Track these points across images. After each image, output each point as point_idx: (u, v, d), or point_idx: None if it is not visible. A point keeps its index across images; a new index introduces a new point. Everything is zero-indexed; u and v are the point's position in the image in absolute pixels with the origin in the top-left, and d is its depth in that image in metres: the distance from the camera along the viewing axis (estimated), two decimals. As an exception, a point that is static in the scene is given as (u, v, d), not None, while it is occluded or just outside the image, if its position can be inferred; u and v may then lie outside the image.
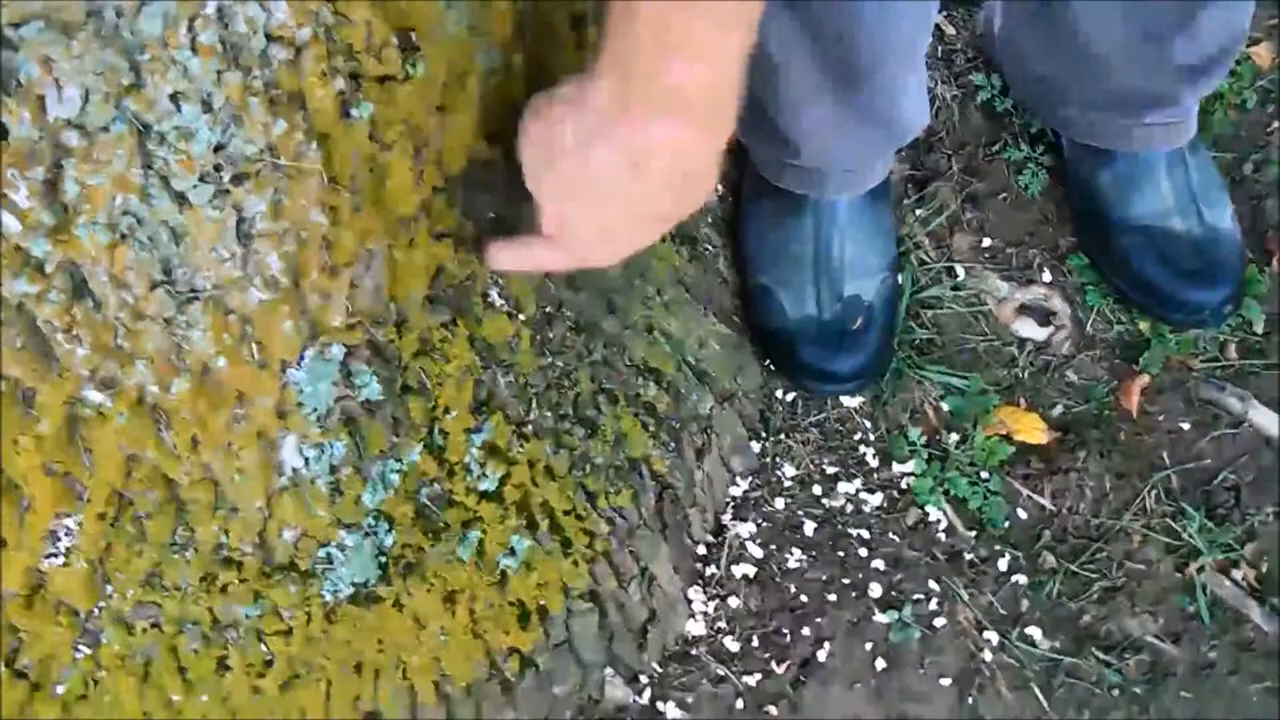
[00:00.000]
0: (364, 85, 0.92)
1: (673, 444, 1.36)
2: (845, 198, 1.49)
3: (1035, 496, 1.49)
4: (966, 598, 1.43)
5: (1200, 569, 1.45)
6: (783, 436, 1.51)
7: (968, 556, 1.46)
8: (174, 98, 0.83)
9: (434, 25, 0.94)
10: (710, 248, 1.50)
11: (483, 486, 1.15)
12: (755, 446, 1.49)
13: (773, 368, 1.53)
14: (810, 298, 1.49)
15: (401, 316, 1.05)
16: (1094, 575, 1.45)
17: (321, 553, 1.08)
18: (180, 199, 0.87)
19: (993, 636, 1.42)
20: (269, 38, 0.85)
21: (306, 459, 1.04)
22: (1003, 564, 1.46)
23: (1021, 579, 1.45)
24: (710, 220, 1.53)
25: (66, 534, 0.99)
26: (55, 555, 1.00)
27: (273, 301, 0.95)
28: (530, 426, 1.18)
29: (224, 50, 0.83)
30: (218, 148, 0.86)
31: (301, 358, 0.99)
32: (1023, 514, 1.49)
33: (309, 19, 0.85)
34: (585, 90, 0.89)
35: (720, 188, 1.56)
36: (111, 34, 0.79)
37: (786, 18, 1.29)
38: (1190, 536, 1.46)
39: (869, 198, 1.50)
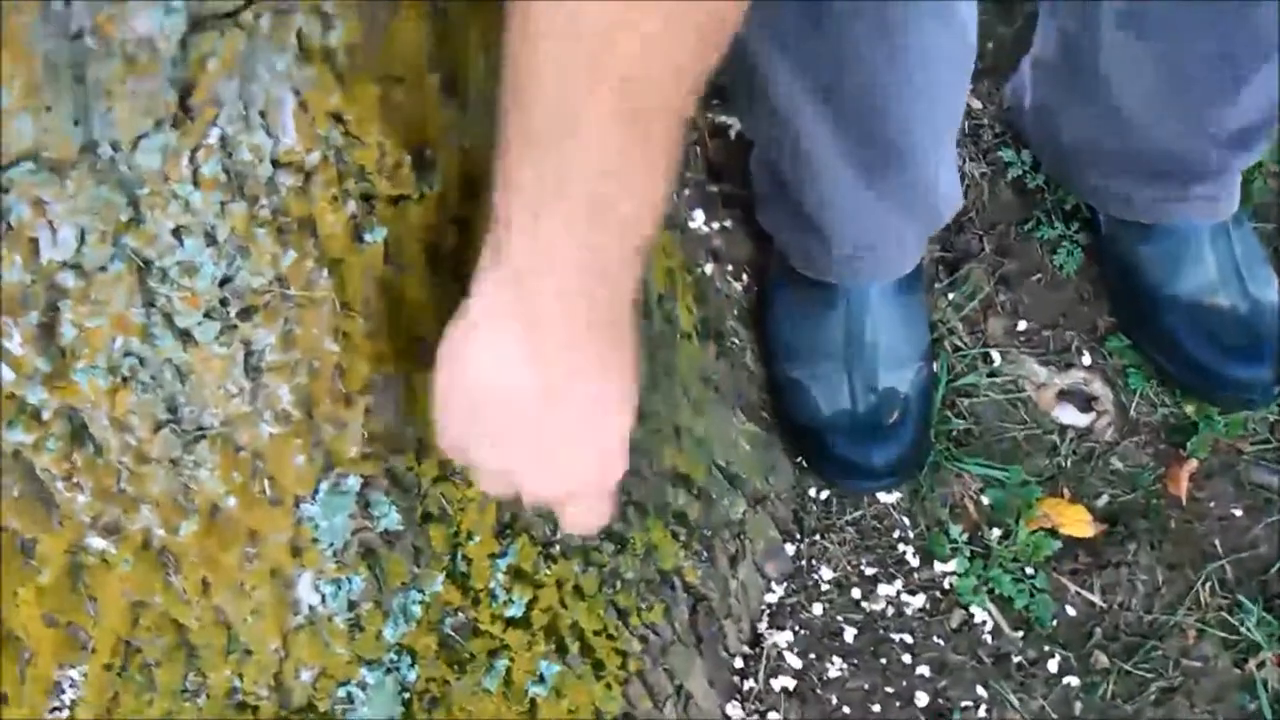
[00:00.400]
0: (377, 207, 0.87)
1: (705, 553, 1.30)
2: (877, 285, 1.44)
3: (1084, 593, 1.43)
4: (1016, 703, 1.37)
5: (1260, 664, 1.39)
6: (818, 537, 1.45)
7: (1016, 659, 1.40)
8: (176, 232, 0.78)
9: (449, 138, 0.90)
10: (736, 341, 1.45)
11: (509, 612, 1.10)
12: (790, 549, 1.43)
13: (805, 465, 1.47)
14: (843, 391, 1.44)
15: (420, 442, 0.99)
16: (1149, 675, 1.39)
17: (341, 692, 1.02)
18: (185, 336, 0.82)
19: (1046, 744, 1.36)
20: (276, 164, 0.80)
21: (323, 595, 0.98)
22: (1053, 665, 1.40)
23: (1073, 681, 1.39)
24: (735, 312, 1.47)
25: (71, 685, 0.94)
26: (59, 709, 0.94)
27: (284, 435, 0.90)
28: (557, 546, 1.12)
29: (228, 180, 0.78)
30: (223, 281, 0.81)
31: (316, 491, 0.94)
32: (1071, 611, 1.43)
33: (318, 143, 0.81)
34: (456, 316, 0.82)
35: (746, 277, 1.51)
36: (107, 170, 0.74)
37: (815, 106, 1.24)
38: (1248, 630, 1.40)
39: (902, 284, 1.45)
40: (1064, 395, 1.54)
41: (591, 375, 0.81)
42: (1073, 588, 1.44)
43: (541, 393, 0.80)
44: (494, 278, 0.79)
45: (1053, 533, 1.45)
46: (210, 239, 0.79)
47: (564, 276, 0.76)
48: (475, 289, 0.80)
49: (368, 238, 0.87)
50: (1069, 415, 1.53)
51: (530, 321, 0.78)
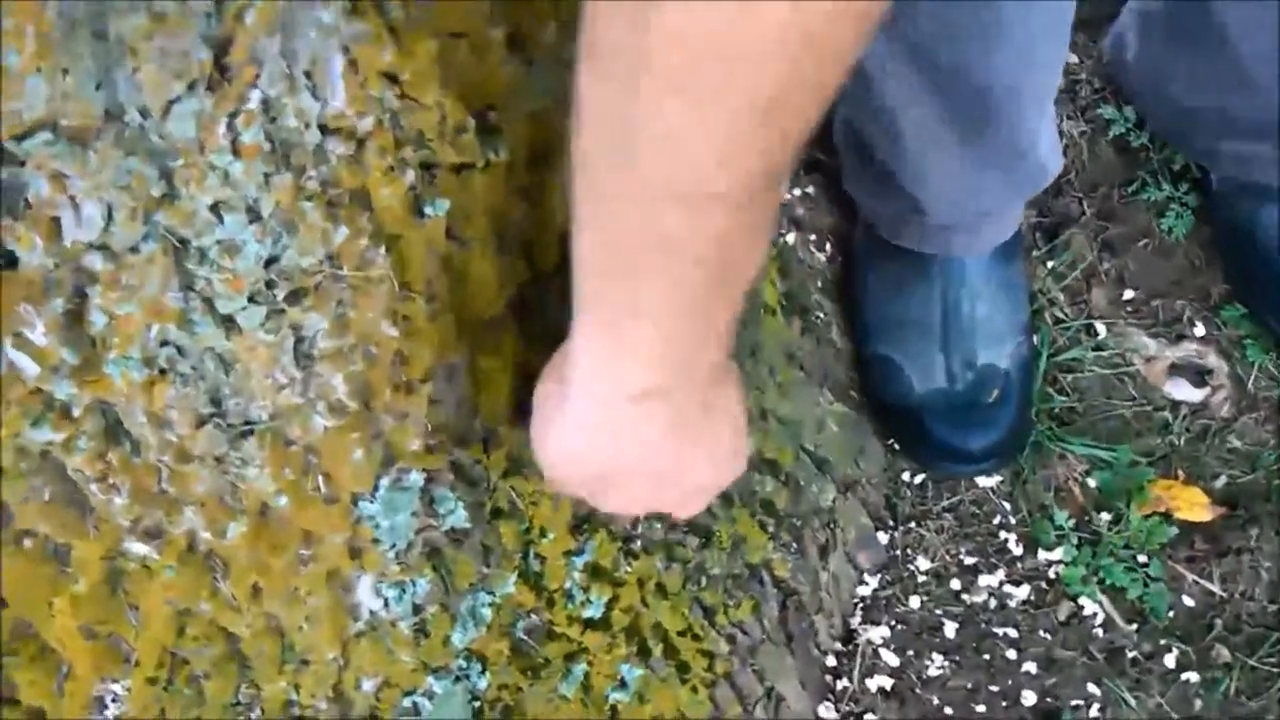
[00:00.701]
0: (438, 176, 0.80)
1: (794, 544, 1.22)
2: (974, 255, 1.35)
3: (1202, 581, 1.35)
4: (1132, 702, 1.30)
5: (1396, 657, 1.31)
6: (913, 525, 1.37)
7: (1130, 654, 1.32)
8: (215, 208, 0.71)
9: (514, 100, 0.82)
10: (821, 316, 1.36)
11: (587, 614, 1.03)
12: (883, 538, 1.35)
13: (898, 448, 1.39)
14: (939, 369, 1.35)
15: (488, 432, 0.93)
16: (1275, 669, 1.31)
17: (406, 702, 0.96)
18: (227, 323, 0.76)
19: (1163, 745, 1.28)
20: (324, 130, 0.73)
21: (386, 599, 0.92)
22: (1170, 660, 1.32)
23: (1192, 677, 1.31)
24: (819, 285, 1.39)
25: (113, 700, 0.88)
26: None
27: (339, 428, 0.83)
28: (638, 541, 1.05)
29: (271, 149, 0.72)
30: (269, 262, 0.75)
31: (375, 488, 0.87)
32: (1189, 602, 1.35)
33: (371, 106, 0.74)
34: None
35: (829, 247, 1.42)
36: (136, 139, 0.67)
37: (904, 64, 1.17)
38: (1382, 620, 1.32)
39: (999, 253, 1.37)
40: (1175, 369, 1.45)
41: (700, 399, 0.77)
42: (1190, 576, 1.36)
43: (660, 435, 0.77)
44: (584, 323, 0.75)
45: (1167, 517, 1.37)
46: (253, 215, 0.73)
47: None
48: (574, 336, 0.76)
49: (428, 210, 0.80)
50: (1181, 390, 1.44)
51: (627, 360, 0.74)
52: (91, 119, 0.65)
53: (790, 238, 1.40)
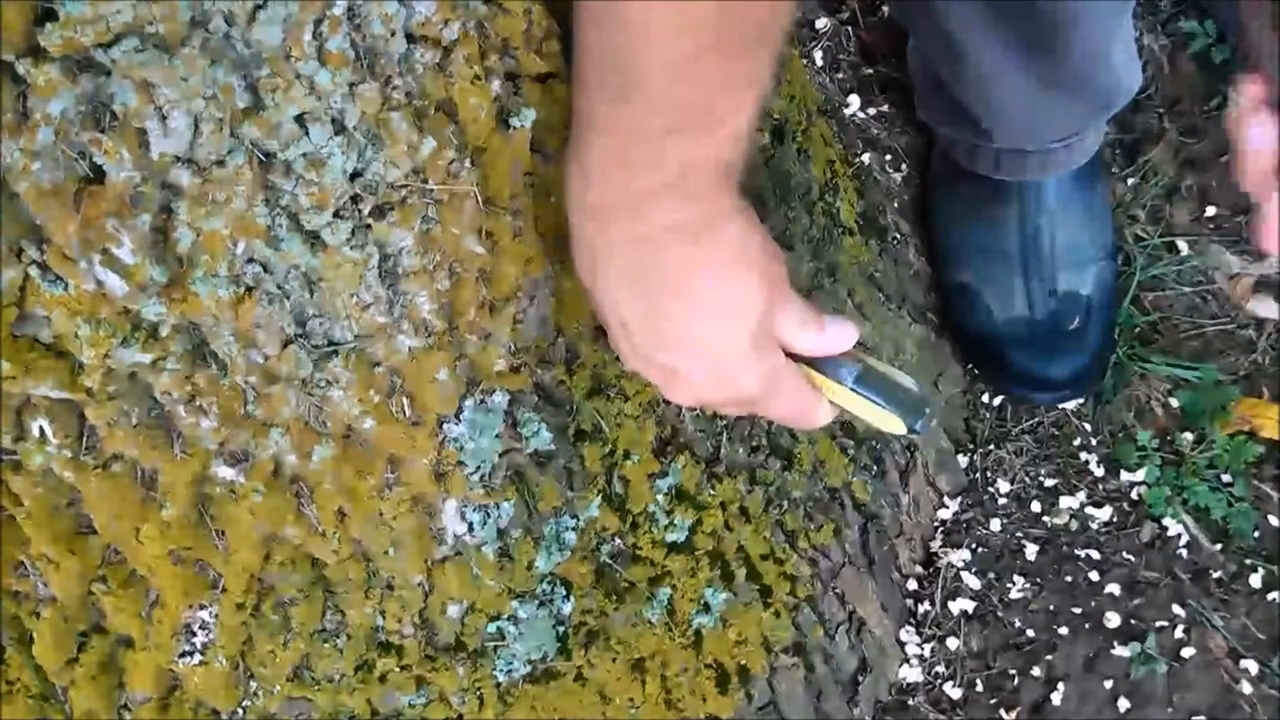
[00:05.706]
0: (523, 86, 0.78)
1: (874, 467, 1.20)
2: (1053, 178, 1.31)
3: (1288, 501, 1.33)
4: (1218, 622, 1.27)
5: None
6: (993, 447, 1.35)
7: (1215, 574, 1.30)
8: (300, 119, 0.70)
9: (601, 8, 0.80)
10: (898, 236, 1.33)
11: (671, 537, 1.01)
12: (963, 461, 1.33)
13: (977, 373, 1.36)
14: (1019, 296, 1.32)
15: (571, 352, 0.91)
16: (1365, 589, 1.29)
17: (492, 628, 0.95)
18: (313, 239, 0.74)
19: (1250, 665, 1.26)
20: (410, 38, 0.72)
21: (470, 524, 0.91)
22: (1255, 580, 1.30)
23: (1279, 597, 1.28)
24: (897, 205, 1.36)
25: (202, 628, 0.87)
26: (190, 653, 0.88)
27: (425, 349, 0.82)
28: (721, 464, 1.03)
29: (357, 57, 0.70)
30: (354, 175, 0.73)
31: (460, 410, 0.86)
32: (1275, 521, 1.32)
33: (458, 12, 0.71)
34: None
35: (906, 167, 1.39)
36: (222, 47, 0.66)
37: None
38: None
39: (1079, 175, 1.33)
40: (1260, 286, 1.42)
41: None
42: (1276, 495, 1.33)
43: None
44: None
45: (1251, 436, 1.35)
46: (338, 126, 0.71)
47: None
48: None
49: (513, 122, 0.78)
50: (1266, 308, 1.41)
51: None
52: (177, 26, 0.63)
53: (866, 158, 1.37)
